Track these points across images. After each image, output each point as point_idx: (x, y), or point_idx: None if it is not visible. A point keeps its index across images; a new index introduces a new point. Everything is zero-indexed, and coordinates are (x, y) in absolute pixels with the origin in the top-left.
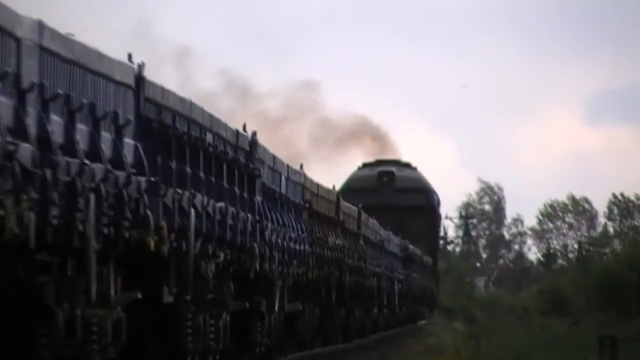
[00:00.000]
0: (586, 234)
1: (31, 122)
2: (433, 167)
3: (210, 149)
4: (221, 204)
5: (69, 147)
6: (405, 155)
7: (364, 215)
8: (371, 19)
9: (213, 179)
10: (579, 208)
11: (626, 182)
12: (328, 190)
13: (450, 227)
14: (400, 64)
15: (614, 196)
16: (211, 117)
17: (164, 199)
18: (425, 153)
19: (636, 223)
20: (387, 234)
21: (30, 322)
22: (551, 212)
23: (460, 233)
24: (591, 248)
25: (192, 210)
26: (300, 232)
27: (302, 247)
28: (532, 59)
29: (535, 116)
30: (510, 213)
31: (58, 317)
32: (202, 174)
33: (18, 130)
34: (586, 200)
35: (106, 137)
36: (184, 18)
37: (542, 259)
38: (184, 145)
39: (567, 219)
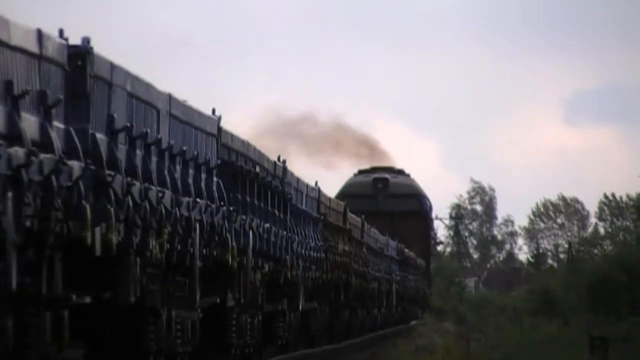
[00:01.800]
0: (577, 235)
1: (167, 173)
2: (419, 167)
3: (260, 180)
4: (267, 225)
5: (185, 188)
6: (390, 156)
7: (366, 225)
8: (350, 20)
9: (262, 204)
10: (570, 208)
11: (617, 183)
12: (337, 202)
13: (440, 228)
14: (380, 64)
15: (605, 196)
16: (260, 153)
17: (234, 224)
18: (410, 154)
19: (627, 223)
20: (385, 239)
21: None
22: (543, 212)
23: (451, 233)
24: (582, 248)
25: (250, 232)
26: (317, 242)
27: (319, 254)
28: (515, 58)
29: (522, 116)
30: (500, 213)
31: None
32: (255, 201)
33: (161, 179)
34: (577, 201)
35: (203, 178)
36: None
37: (531, 259)
38: (245, 178)
39: (558, 220)
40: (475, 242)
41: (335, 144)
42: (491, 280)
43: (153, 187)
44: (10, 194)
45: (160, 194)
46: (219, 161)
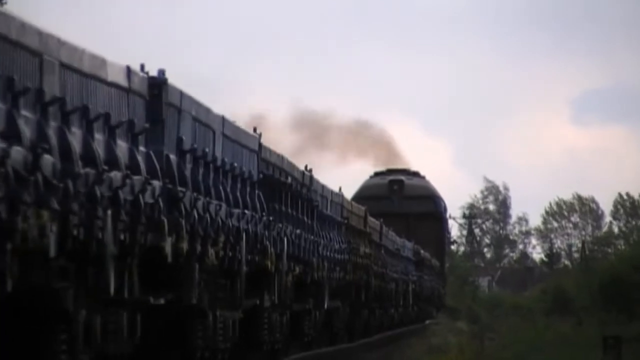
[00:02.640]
0: (591, 234)
1: (221, 188)
2: (431, 167)
3: (293, 190)
4: (298, 231)
5: (235, 200)
6: (404, 156)
7: (384, 227)
8: (359, 21)
9: (293, 212)
10: (585, 208)
11: (632, 182)
12: (358, 207)
13: (453, 227)
14: (391, 66)
15: (620, 196)
16: (292, 164)
17: (272, 232)
18: (421, 154)
19: None
20: (402, 241)
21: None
22: (557, 211)
23: (464, 233)
24: (595, 248)
25: (285, 239)
26: (341, 244)
27: (342, 256)
28: (526, 58)
29: (533, 116)
30: (514, 212)
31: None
32: (289, 210)
33: (217, 194)
34: (593, 200)
35: (248, 191)
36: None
37: (545, 258)
38: (280, 189)
39: (572, 219)
40: (488, 241)
41: (353, 141)
42: (505, 279)
43: (213, 201)
44: (109, 212)
45: (217, 207)
46: (260, 175)
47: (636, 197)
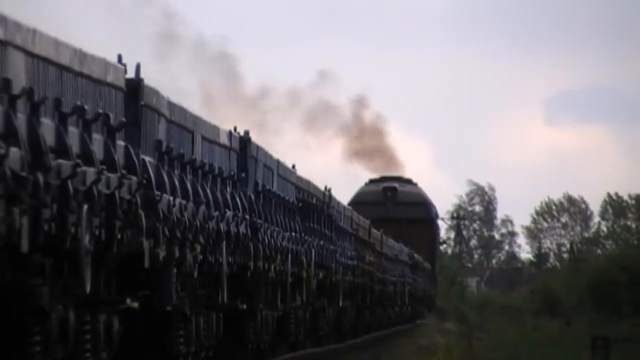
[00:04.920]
0: (580, 234)
1: (276, 216)
2: (415, 168)
3: (319, 210)
4: (322, 242)
5: (283, 225)
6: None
7: (384, 237)
8: (338, 18)
9: (318, 227)
10: (575, 208)
11: (619, 182)
12: (364, 220)
13: (442, 228)
14: (368, 65)
15: (609, 196)
16: (317, 187)
17: (305, 246)
18: (404, 154)
19: (629, 223)
20: (399, 246)
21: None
22: (546, 211)
23: (452, 234)
24: (584, 248)
25: (313, 251)
26: (352, 252)
27: (353, 262)
28: (507, 57)
29: (514, 116)
30: (499, 213)
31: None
32: (316, 226)
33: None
34: (582, 200)
35: (289, 215)
36: None
37: (533, 259)
38: (312, 211)
39: (562, 219)
40: (476, 242)
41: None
42: (493, 280)
43: (276, 228)
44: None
45: (277, 233)
46: (300, 203)
47: (625, 197)
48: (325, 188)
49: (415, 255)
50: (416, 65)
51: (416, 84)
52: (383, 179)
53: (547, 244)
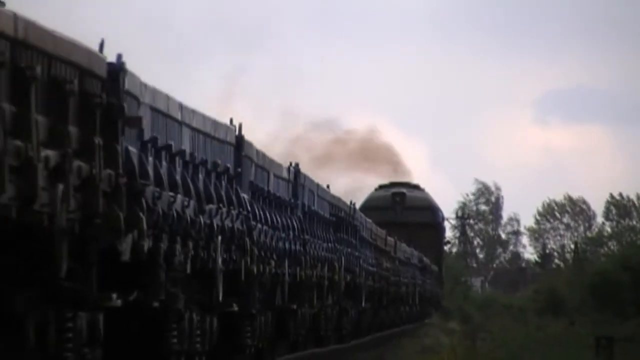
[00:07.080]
0: (583, 235)
1: (315, 231)
2: (416, 168)
3: (347, 223)
4: (349, 249)
5: (324, 239)
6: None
7: (398, 243)
8: (329, 19)
9: (346, 236)
10: (577, 208)
11: (623, 183)
12: (381, 231)
13: (446, 228)
14: (361, 67)
15: (612, 196)
16: (344, 202)
17: (336, 254)
18: (405, 155)
19: (633, 223)
20: (410, 250)
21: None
22: (549, 212)
23: (457, 233)
24: (587, 248)
25: (342, 257)
26: (372, 260)
27: (373, 268)
28: (507, 56)
29: (514, 117)
30: (506, 213)
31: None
32: (345, 236)
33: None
34: (584, 201)
35: (324, 231)
36: None
37: (537, 259)
38: (342, 224)
39: (564, 220)
40: (481, 242)
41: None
42: (497, 280)
43: (317, 241)
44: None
45: (317, 244)
46: (333, 218)
47: (632, 196)
48: (350, 202)
49: (424, 258)
50: (407, 67)
51: (411, 86)
52: (392, 185)
53: (551, 244)
